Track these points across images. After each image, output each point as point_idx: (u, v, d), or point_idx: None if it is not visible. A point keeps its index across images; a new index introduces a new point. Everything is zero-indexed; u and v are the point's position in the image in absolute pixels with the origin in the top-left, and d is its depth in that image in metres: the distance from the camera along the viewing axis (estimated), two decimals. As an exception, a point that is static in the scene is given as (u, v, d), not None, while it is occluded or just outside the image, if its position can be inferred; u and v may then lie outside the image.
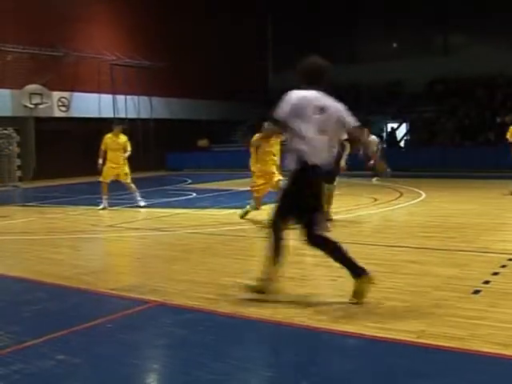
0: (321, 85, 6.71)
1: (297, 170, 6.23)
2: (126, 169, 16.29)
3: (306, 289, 6.91)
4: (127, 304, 6.52)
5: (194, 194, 19.62)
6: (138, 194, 16.23)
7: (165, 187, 22.87)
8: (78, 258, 9.68)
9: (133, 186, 16.24)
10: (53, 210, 16.20)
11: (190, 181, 25.55)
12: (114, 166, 16.11)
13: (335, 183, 12.09)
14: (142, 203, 16.02)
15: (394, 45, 40.81)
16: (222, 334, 5.49)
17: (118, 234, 11.79)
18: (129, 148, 16.41)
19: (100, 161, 16.15)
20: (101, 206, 15.79)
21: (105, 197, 15.93)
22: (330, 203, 11.70)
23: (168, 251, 9.77)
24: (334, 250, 6.33)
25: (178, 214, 14.66)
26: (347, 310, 5.94)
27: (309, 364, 4.76)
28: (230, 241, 10.49)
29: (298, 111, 6.25)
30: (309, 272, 7.77)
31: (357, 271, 6.18)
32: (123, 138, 16.42)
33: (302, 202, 6.26)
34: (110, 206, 15.82)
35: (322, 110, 6.25)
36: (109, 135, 16.35)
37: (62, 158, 28.93)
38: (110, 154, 16.21)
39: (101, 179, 16.15)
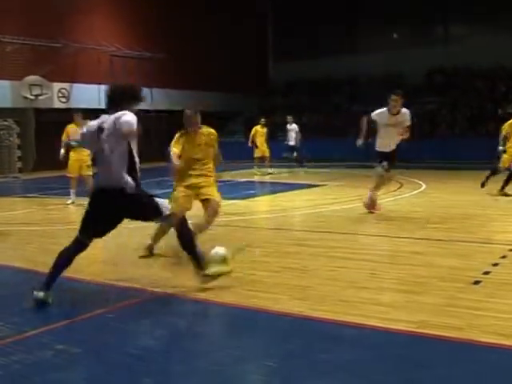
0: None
1: None
2: (89, 160, 15.17)
3: (306, 279, 6.90)
4: (127, 294, 6.52)
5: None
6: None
7: (165, 178, 22.81)
8: (78, 249, 9.68)
9: (91, 181, 15.04)
10: (53, 201, 16.17)
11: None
12: (78, 157, 15.30)
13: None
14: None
15: (395, 35, 40.72)
16: (222, 325, 5.51)
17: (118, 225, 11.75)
18: None
19: (62, 151, 15.43)
20: (69, 201, 15.22)
21: (73, 190, 15.28)
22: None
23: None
24: None
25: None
26: (348, 301, 5.94)
27: (309, 354, 4.75)
28: (229, 231, 10.48)
29: None
30: (309, 262, 7.76)
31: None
32: None
33: None
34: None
35: None
36: (71, 125, 15.53)
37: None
38: None
39: (68, 174, 15.48)
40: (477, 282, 6.60)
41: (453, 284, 6.52)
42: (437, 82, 35.68)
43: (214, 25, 36.52)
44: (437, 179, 19.72)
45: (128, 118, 6.13)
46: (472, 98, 33.17)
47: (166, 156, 7.55)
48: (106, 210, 6.33)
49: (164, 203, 6.58)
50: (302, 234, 9.98)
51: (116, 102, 6.44)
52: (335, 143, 31.24)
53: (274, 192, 16.92)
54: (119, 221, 6.56)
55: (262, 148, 24.48)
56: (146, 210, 6.35)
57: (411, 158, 26.70)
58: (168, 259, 8.30)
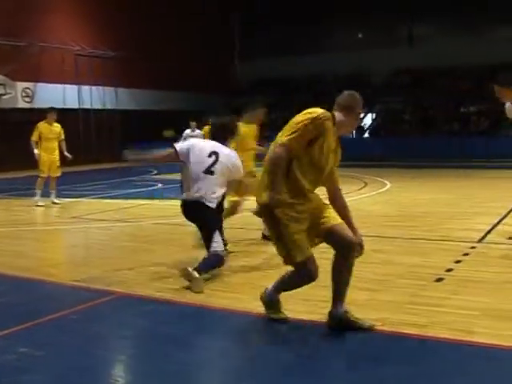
0: None
1: None
2: (59, 161, 15.29)
3: (271, 279, 6.92)
4: (92, 295, 6.49)
5: (160, 185, 19.54)
6: (55, 192, 15.20)
7: (130, 178, 22.73)
8: (43, 250, 9.64)
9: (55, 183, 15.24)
10: (18, 202, 16.03)
11: (155, 171, 25.43)
12: (49, 158, 15.15)
13: None
14: (57, 200, 15.07)
15: (360, 35, 40.97)
16: (186, 325, 5.51)
17: (83, 226, 11.72)
18: (62, 136, 15.32)
19: (36, 151, 15.09)
20: (41, 203, 14.79)
21: (39, 191, 14.94)
22: None
23: (132, 242, 9.76)
24: None
25: (143, 204, 14.58)
26: (310, 300, 5.98)
27: (273, 352, 4.79)
28: (193, 231, 10.45)
29: None
30: (275, 262, 7.79)
31: None
32: (58, 126, 15.29)
33: None
34: (75, 198, 15.69)
35: None
36: (42, 123, 15.19)
37: (26, 149, 28.58)
38: (44, 144, 15.16)
39: (41, 174, 15.17)
40: (439, 280, 6.69)
41: (415, 282, 6.60)
42: (401, 82, 36.00)
43: (179, 24, 36.42)
44: (401, 178, 19.87)
45: (239, 163, 7.50)
46: (435, 97, 33.51)
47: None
48: None
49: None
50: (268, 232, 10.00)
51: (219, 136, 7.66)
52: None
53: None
54: None
55: None
56: None
57: (376, 156, 26.99)
58: (133, 260, 8.28)
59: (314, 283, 6.47)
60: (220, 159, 7.25)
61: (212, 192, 7.14)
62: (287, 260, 5.25)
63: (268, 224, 5.31)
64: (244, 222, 11.12)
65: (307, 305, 5.85)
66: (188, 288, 6.48)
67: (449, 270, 7.08)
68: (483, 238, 9.12)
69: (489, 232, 9.56)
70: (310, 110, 5.09)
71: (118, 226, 11.50)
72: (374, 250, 8.40)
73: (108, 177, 23.23)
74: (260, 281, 6.80)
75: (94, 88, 33.80)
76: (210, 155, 7.24)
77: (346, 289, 5.33)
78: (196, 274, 6.48)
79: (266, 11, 40.54)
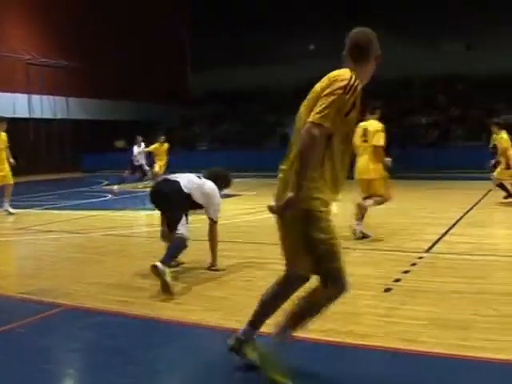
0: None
1: None
2: (5, 170, 14.94)
3: (219, 290, 6.91)
4: (39, 308, 6.40)
5: (110, 196, 19.40)
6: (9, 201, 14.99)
7: (80, 189, 22.53)
8: (-11, 262, 9.48)
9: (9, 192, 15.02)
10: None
11: (106, 182, 25.23)
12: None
13: None
14: (12, 210, 14.87)
15: (311, 47, 41.24)
16: (134, 337, 5.46)
17: (31, 237, 11.55)
18: (7, 144, 14.96)
19: None
20: (12, 210, 14.81)
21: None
22: None
23: (81, 254, 9.65)
24: None
25: (93, 215, 14.45)
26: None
27: (223, 364, 4.77)
28: (144, 243, 10.43)
29: None
30: (223, 273, 7.78)
31: None
32: (4, 134, 14.95)
33: None
34: (24, 209, 15.46)
35: None
36: None
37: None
38: None
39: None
40: (388, 290, 6.75)
41: (364, 292, 6.63)
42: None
43: (132, 34, 36.33)
44: (351, 188, 19.99)
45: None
46: (386, 108, 33.85)
47: None
48: None
49: None
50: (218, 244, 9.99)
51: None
52: (250, 153, 31.45)
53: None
54: None
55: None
56: None
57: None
58: (82, 272, 8.19)
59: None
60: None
61: None
62: (326, 268, 4.29)
63: (298, 226, 4.24)
64: (192, 234, 11.09)
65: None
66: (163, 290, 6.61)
67: (397, 280, 7.15)
68: (431, 248, 9.23)
69: (437, 242, 9.67)
70: (335, 75, 4.31)
71: (67, 238, 11.36)
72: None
73: (58, 187, 22.97)
74: (210, 291, 6.79)
75: (44, 97, 33.47)
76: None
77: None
78: (167, 274, 6.63)
79: (217, 22, 40.62)
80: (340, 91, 4.06)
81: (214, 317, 5.84)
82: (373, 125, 10.39)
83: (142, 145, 24.19)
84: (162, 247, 9.86)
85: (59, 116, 34.35)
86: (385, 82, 34.98)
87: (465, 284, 6.89)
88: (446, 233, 10.54)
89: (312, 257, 4.20)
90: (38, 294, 6.97)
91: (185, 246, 7.26)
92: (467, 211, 13.31)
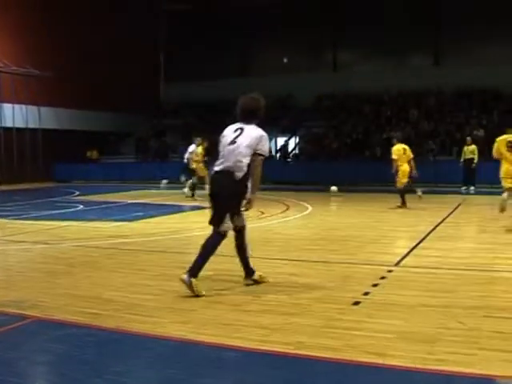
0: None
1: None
2: None
3: (189, 303, 6.92)
4: (5, 320, 6.35)
5: (81, 206, 19.31)
6: None
7: (51, 199, 22.40)
8: (-43, 273, 9.39)
9: None
10: None
11: (77, 192, 25.12)
12: None
13: None
14: None
15: (285, 60, 41.44)
16: (102, 350, 5.44)
17: (1, 247, 11.46)
18: None
19: None
20: None
21: None
22: None
23: (51, 265, 9.58)
24: None
25: (64, 226, 14.37)
26: (230, 324, 5.99)
27: (191, 378, 4.77)
28: (114, 254, 10.38)
29: None
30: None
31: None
32: None
33: None
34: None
35: None
36: None
37: None
38: None
39: None
40: (356, 303, 6.78)
41: (332, 305, 6.67)
42: (325, 106, 36.52)
43: (105, 44, 36.24)
44: (322, 202, 20.11)
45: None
46: (358, 122, 34.13)
47: None
48: None
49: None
50: (188, 256, 9.93)
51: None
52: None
53: (163, 214, 16.85)
54: None
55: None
56: None
57: (298, 180, 27.26)
58: (51, 283, 8.15)
59: (233, 307, 6.53)
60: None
61: None
62: None
63: None
64: (164, 245, 11.10)
65: (226, 329, 5.85)
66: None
67: (366, 294, 7.19)
68: (400, 261, 9.30)
69: (406, 256, 9.75)
70: None
71: (38, 248, 11.28)
72: (292, 273, 8.51)
73: (29, 197, 22.82)
74: (179, 304, 6.79)
75: (16, 106, 33.25)
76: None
77: None
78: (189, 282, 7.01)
79: (194, 34, 40.70)
80: None
81: (182, 329, 5.84)
82: None
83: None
84: (130, 259, 9.89)
85: (31, 125, 34.14)
86: (360, 96, 35.47)
87: (432, 298, 6.95)
88: (415, 246, 10.63)
89: None
90: (6, 305, 6.90)
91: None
92: (437, 225, 13.43)
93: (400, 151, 17.47)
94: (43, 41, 33.11)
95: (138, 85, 39.01)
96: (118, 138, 39.23)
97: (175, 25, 42.37)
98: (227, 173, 7.28)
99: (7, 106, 32.87)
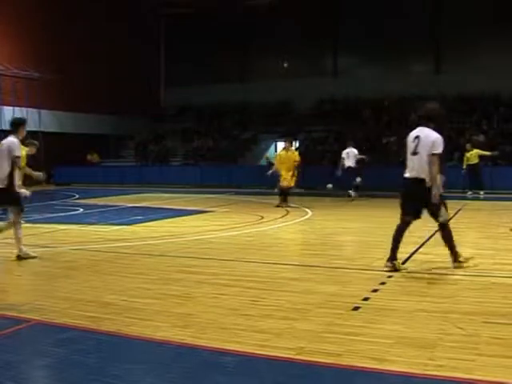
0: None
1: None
2: None
3: (188, 307, 6.91)
4: (6, 323, 6.35)
5: (81, 210, 19.30)
6: None
7: (51, 202, 22.39)
8: (-44, 276, 9.38)
9: None
10: None
11: (77, 196, 25.12)
12: None
13: None
14: None
15: (285, 65, 41.47)
16: (101, 353, 5.44)
17: (1, 251, 11.46)
18: None
19: None
20: None
21: None
22: None
23: (51, 268, 9.57)
24: None
25: (63, 229, 14.36)
26: (229, 328, 5.99)
27: (188, 382, 4.77)
28: (114, 258, 10.38)
29: None
30: (192, 290, 7.78)
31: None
32: None
33: None
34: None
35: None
36: None
37: None
38: None
39: None
40: (356, 308, 6.78)
41: (332, 310, 6.67)
42: (325, 111, 36.52)
43: (106, 48, 36.26)
44: (322, 206, 20.11)
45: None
46: (358, 127, 34.11)
47: None
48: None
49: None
50: (187, 260, 9.98)
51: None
52: (224, 169, 31.51)
53: (162, 218, 16.84)
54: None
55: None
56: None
57: (298, 185, 27.17)
58: (51, 286, 8.14)
59: (232, 312, 6.53)
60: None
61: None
62: None
63: None
64: (163, 249, 11.10)
65: (225, 333, 5.84)
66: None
67: (366, 299, 7.19)
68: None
69: (406, 261, 9.73)
70: None
71: (37, 251, 11.25)
72: (293, 278, 8.51)
73: (30, 200, 22.78)
74: (178, 308, 6.79)
75: (16, 109, 33.18)
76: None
77: None
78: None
79: (195, 39, 40.74)
80: None
81: (181, 334, 5.84)
82: None
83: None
84: (130, 263, 9.88)
85: (31, 128, 34.05)
86: (360, 101, 35.51)
87: (432, 303, 6.95)
88: (415, 252, 10.62)
89: None
90: (6, 308, 6.90)
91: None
92: (437, 230, 13.39)
93: None
94: (44, 44, 33.14)
95: (139, 89, 39.03)
96: (118, 141, 39.23)
97: (176, 29, 42.41)
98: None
99: (7, 109, 32.82)
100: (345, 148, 23.09)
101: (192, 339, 5.67)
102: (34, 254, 10.24)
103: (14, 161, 9.95)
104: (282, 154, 20.34)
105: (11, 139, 10.09)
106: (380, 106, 35.20)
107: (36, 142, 15.11)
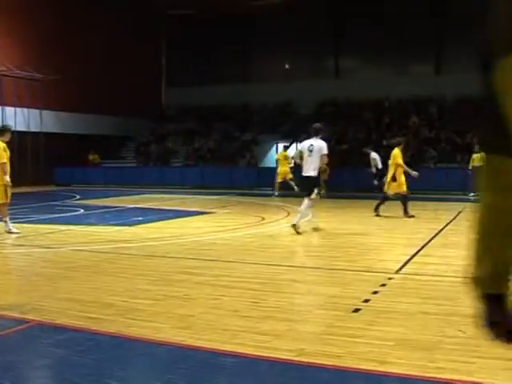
0: None
1: None
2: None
3: (188, 308, 6.91)
4: (7, 324, 6.36)
5: (82, 211, 19.30)
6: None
7: (52, 203, 22.39)
8: (-43, 276, 9.39)
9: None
10: None
11: (78, 196, 25.11)
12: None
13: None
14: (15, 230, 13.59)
15: (287, 66, 41.49)
16: (103, 354, 5.44)
17: (1, 251, 11.48)
18: None
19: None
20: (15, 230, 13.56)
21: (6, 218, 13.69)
22: None
23: (51, 269, 9.58)
24: None
25: (64, 230, 14.35)
26: (229, 330, 5.99)
27: (188, 383, 4.77)
28: (114, 259, 10.38)
29: None
30: (193, 291, 7.78)
31: None
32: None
33: None
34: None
35: None
36: None
37: None
38: None
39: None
40: (356, 310, 6.77)
41: (332, 312, 6.67)
42: (326, 113, 36.52)
43: (107, 48, 36.29)
44: (324, 208, 20.08)
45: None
46: (359, 128, 34.13)
47: None
48: None
49: None
50: (187, 261, 9.99)
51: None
52: (225, 170, 31.50)
53: (163, 219, 16.84)
54: None
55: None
56: None
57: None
58: (51, 287, 8.14)
59: (233, 313, 6.53)
60: None
61: None
62: None
63: None
64: (164, 250, 11.10)
65: (226, 334, 5.84)
66: None
67: (366, 301, 7.19)
68: (401, 269, 9.29)
69: (407, 263, 9.74)
70: None
71: (38, 252, 11.28)
72: (294, 280, 8.51)
73: (30, 201, 22.79)
74: (179, 309, 6.79)
75: (18, 109, 33.23)
76: None
77: None
78: None
79: (197, 39, 40.78)
80: None
81: (182, 335, 5.84)
82: None
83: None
84: (131, 264, 9.88)
85: (33, 129, 34.11)
86: (361, 103, 35.49)
87: (432, 305, 6.95)
88: (416, 254, 10.62)
89: None
90: (6, 309, 6.90)
91: None
92: (438, 232, 13.43)
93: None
94: (46, 45, 33.13)
95: (140, 89, 39.02)
96: (118, 142, 39.23)
97: (177, 30, 42.42)
98: None
99: (9, 110, 32.85)
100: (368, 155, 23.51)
101: (192, 340, 5.67)
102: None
103: None
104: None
105: None
106: (381, 108, 35.21)
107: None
